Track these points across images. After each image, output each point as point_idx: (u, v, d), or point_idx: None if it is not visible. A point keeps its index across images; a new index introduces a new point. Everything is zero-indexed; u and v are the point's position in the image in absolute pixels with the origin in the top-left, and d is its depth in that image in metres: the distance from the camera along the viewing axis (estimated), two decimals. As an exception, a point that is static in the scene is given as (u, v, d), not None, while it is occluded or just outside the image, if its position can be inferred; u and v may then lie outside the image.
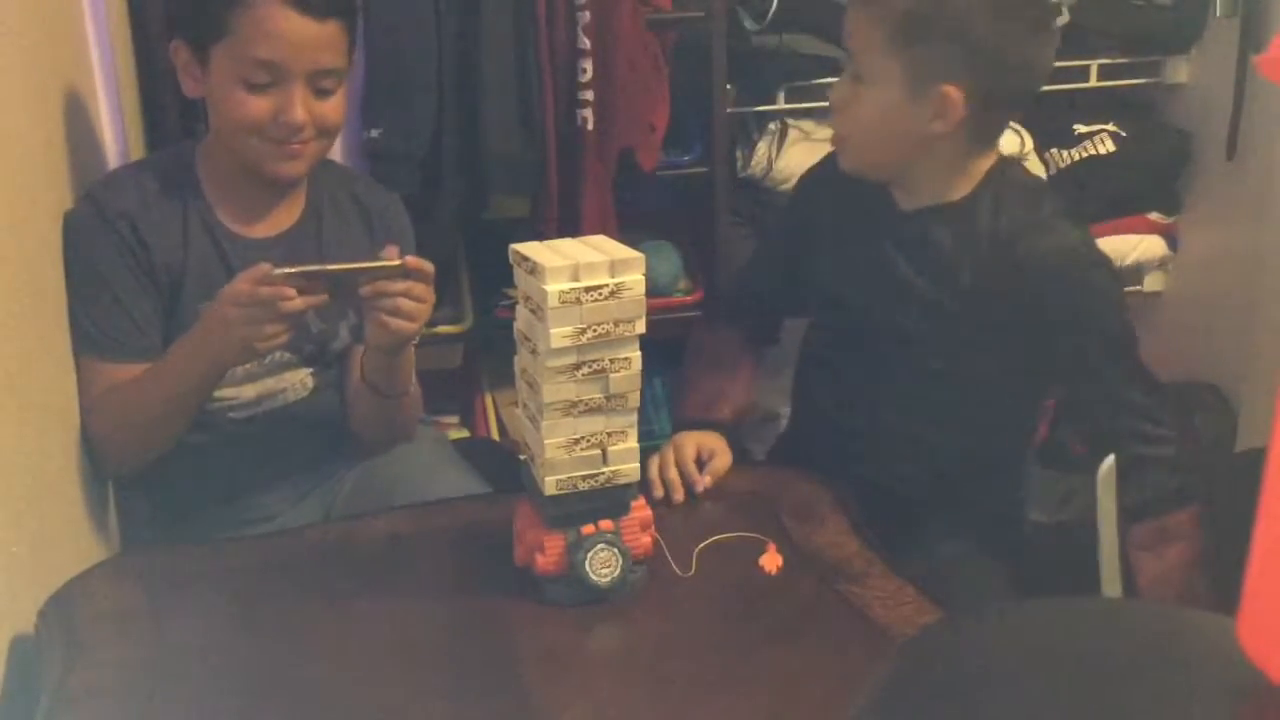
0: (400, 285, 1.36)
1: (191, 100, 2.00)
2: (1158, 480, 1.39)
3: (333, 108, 1.51)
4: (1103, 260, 1.42)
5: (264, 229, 1.57)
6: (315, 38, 1.44)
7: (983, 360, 1.42)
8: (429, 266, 1.38)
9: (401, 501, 1.51)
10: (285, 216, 1.59)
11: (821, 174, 1.55)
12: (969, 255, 1.38)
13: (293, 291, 1.32)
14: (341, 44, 1.49)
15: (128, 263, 1.49)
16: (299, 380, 1.63)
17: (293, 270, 1.32)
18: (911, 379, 1.45)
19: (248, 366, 1.55)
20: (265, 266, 1.33)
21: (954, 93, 1.31)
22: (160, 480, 1.57)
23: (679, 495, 1.42)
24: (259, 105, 1.45)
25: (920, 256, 1.41)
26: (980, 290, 1.38)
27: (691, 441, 1.47)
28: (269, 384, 1.60)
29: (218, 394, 1.56)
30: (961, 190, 1.40)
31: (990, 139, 1.41)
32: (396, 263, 1.36)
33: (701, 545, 1.29)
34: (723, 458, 1.47)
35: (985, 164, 1.41)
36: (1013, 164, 1.48)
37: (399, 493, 1.55)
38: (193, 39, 1.47)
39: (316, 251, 1.58)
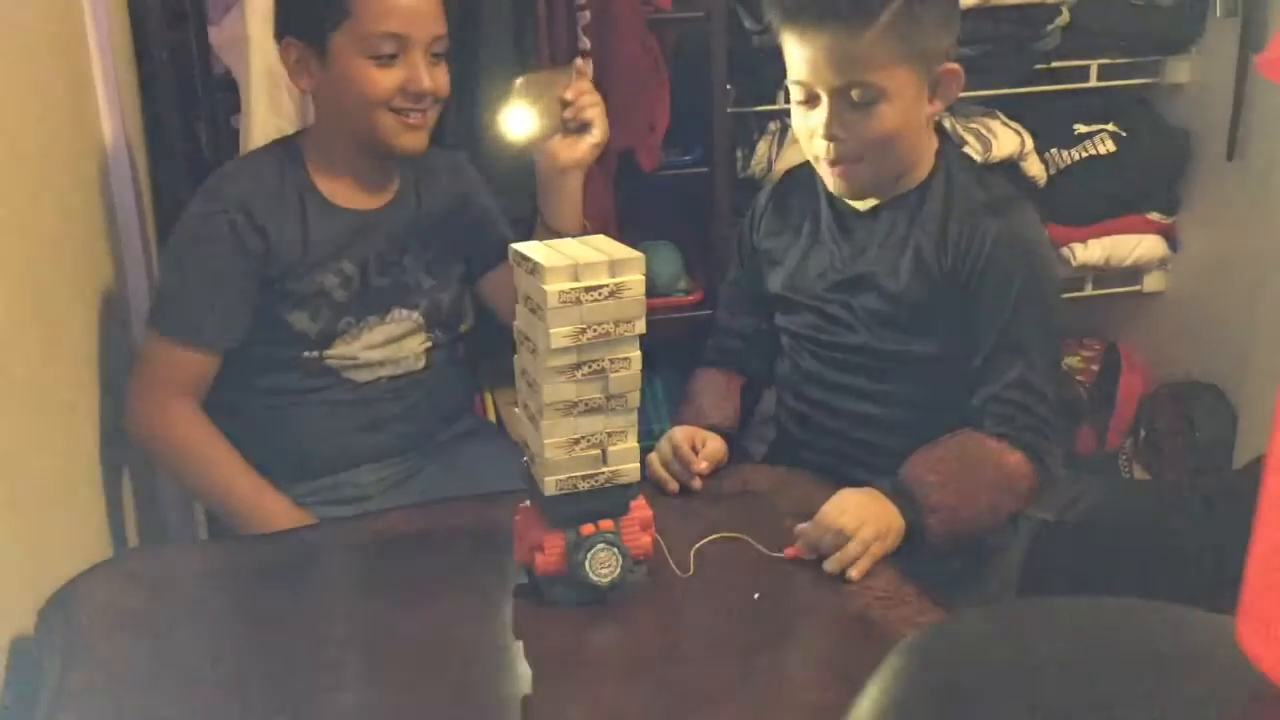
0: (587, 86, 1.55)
1: (190, 100, 2.01)
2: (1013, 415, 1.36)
3: (445, 75, 1.60)
4: (1046, 240, 1.47)
5: (369, 202, 1.65)
6: (429, 5, 1.55)
7: (934, 341, 1.43)
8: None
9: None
10: (388, 190, 1.67)
11: (764, 201, 1.63)
12: (925, 241, 1.42)
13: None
14: (442, 11, 1.59)
15: (237, 252, 1.54)
16: (417, 350, 1.67)
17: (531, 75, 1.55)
18: (872, 368, 1.48)
19: (370, 331, 1.62)
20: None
21: (955, 66, 1.39)
22: (264, 446, 1.59)
23: (674, 486, 1.44)
24: (388, 78, 1.53)
25: (877, 248, 1.45)
26: (933, 272, 1.41)
27: (684, 431, 1.49)
28: (390, 349, 1.65)
29: (337, 353, 1.62)
30: (916, 178, 1.44)
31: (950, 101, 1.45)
32: (574, 67, 1.59)
33: (701, 545, 1.29)
34: (715, 443, 1.49)
35: (934, 145, 1.45)
36: (951, 144, 1.51)
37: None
38: (307, 32, 1.54)
39: (417, 219, 1.68)
